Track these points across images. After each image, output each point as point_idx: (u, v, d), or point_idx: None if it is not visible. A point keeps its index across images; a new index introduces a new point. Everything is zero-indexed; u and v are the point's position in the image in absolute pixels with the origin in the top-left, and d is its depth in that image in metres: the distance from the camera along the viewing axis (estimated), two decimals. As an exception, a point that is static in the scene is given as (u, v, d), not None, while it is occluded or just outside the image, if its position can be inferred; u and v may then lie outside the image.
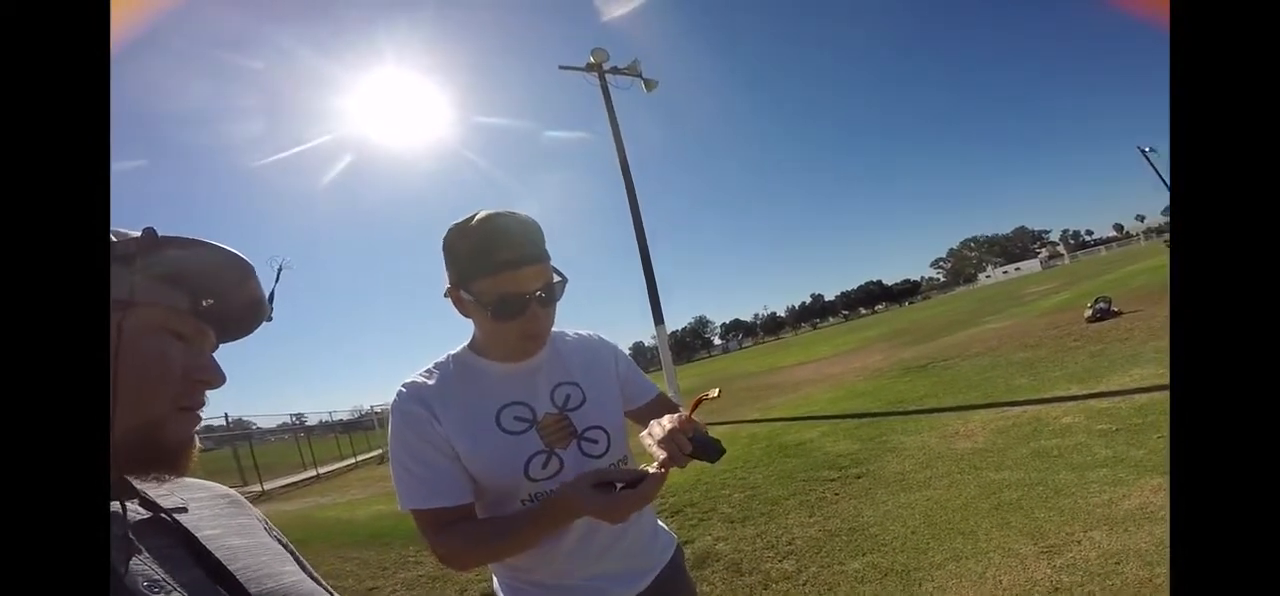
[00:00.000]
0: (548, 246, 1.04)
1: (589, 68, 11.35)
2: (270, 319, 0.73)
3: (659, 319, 10.79)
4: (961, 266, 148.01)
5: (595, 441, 1.10)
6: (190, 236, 0.60)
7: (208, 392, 0.63)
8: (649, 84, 11.88)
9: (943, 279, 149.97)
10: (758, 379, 15.62)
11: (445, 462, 1.01)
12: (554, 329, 1.14)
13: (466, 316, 1.06)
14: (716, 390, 1.08)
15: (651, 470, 0.92)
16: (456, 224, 1.01)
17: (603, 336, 1.25)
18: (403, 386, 1.05)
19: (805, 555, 3.25)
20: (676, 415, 0.96)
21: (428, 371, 1.08)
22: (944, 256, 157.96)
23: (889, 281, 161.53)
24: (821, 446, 5.55)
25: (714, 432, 0.97)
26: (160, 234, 0.58)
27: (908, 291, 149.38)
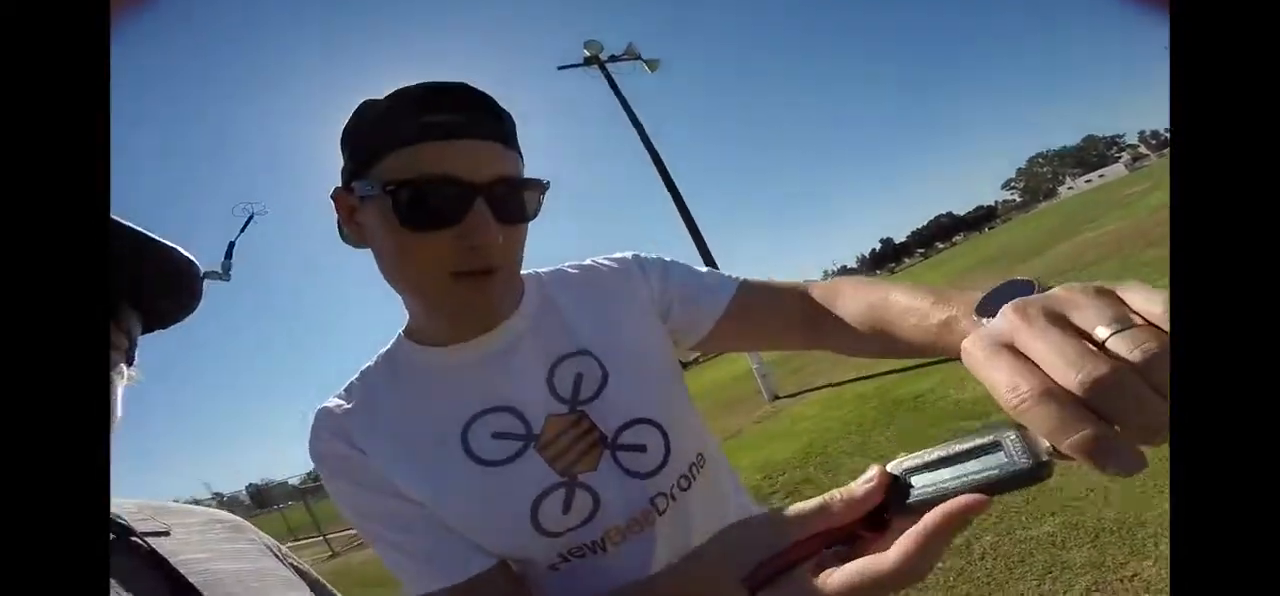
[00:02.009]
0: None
1: (588, 62, 10.62)
2: (227, 278, 0.64)
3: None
4: (1037, 183, 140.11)
5: (641, 448, 0.64)
6: None
7: None
8: (651, 64, 10.96)
9: (1019, 199, 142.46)
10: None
11: (415, 512, 0.62)
12: (542, 269, 0.74)
13: (362, 243, 0.63)
14: None
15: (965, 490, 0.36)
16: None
17: (620, 254, 0.77)
18: (313, 417, 0.65)
19: (974, 525, 2.70)
20: (1099, 295, 0.33)
21: (345, 389, 0.67)
22: (1013, 177, 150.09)
23: (961, 212, 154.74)
24: (944, 394, 4.87)
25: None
26: None
27: (984, 217, 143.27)
